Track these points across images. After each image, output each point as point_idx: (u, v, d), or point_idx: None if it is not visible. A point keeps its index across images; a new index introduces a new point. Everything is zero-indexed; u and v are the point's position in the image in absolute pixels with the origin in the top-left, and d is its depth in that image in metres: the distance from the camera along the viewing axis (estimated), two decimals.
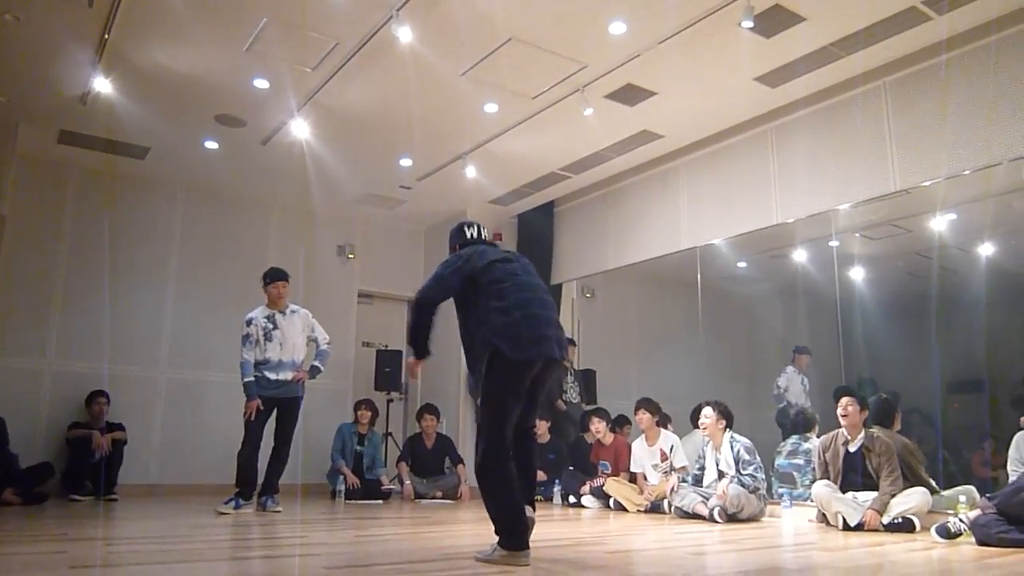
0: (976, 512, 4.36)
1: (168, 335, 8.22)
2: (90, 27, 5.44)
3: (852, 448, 5.36)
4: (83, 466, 6.98)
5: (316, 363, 6.39)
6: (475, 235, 4.03)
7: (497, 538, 3.30)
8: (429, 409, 8.21)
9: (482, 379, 3.47)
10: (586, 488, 7.20)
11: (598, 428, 7.34)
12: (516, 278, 3.63)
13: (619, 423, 7.76)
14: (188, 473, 7.90)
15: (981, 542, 4.18)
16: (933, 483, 5.23)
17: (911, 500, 4.96)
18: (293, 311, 6.37)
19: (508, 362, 3.41)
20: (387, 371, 8.98)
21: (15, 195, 7.27)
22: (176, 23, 5.40)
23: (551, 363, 3.56)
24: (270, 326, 6.19)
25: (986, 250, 6.20)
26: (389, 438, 8.83)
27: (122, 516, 5.59)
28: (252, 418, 5.97)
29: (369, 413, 8.00)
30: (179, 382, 8.18)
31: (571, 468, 7.65)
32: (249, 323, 6.18)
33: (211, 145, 7.51)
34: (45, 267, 7.66)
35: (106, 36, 5.51)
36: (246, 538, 4.50)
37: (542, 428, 7.82)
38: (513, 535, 3.27)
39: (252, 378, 6.03)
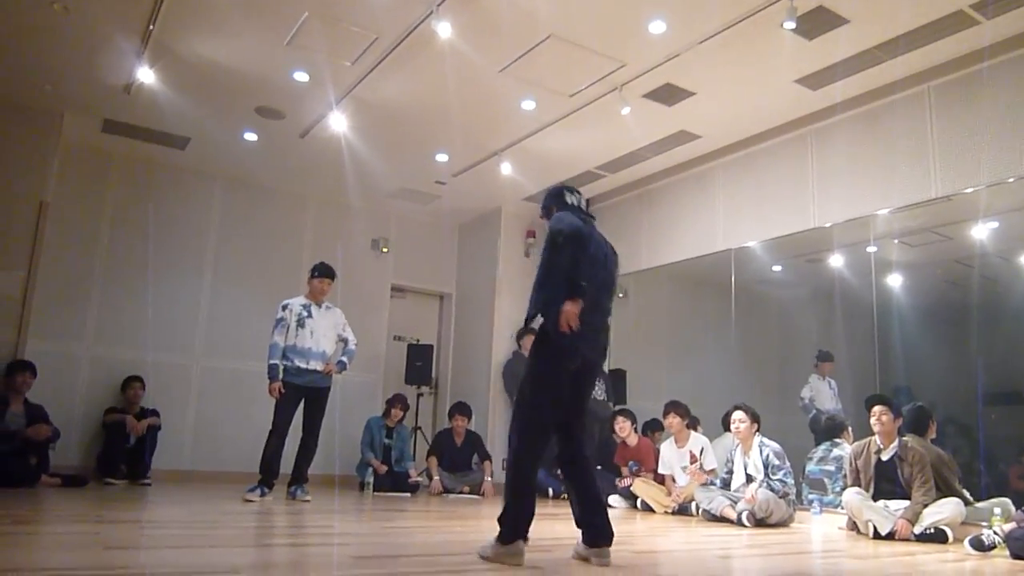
0: (1011, 525, 4.29)
1: (203, 324, 8.33)
2: (136, 18, 5.53)
3: (885, 457, 5.29)
4: (118, 450, 7.10)
5: (343, 359, 6.48)
6: (576, 204, 3.70)
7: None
8: (460, 409, 8.19)
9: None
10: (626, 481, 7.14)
11: (623, 428, 7.32)
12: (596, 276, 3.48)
13: (651, 427, 7.73)
14: (220, 460, 8.01)
15: (1015, 555, 4.11)
16: (967, 494, 5.14)
17: (944, 510, 4.88)
18: (328, 307, 6.47)
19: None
20: (418, 365, 9.03)
21: (59, 182, 7.40)
22: (219, 16, 5.48)
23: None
24: (305, 314, 6.27)
25: None
26: (418, 432, 8.87)
27: (155, 500, 5.68)
28: (277, 399, 6.05)
29: (402, 413, 8.05)
30: (213, 370, 8.29)
31: (599, 467, 7.63)
32: (284, 308, 6.29)
33: (250, 137, 7.60)
34: (85, 253, 7.80)
35: (151, 27, 5.60)
36: (275, 526, 4.56)
37: None
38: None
39: (276, 361, 6.11)
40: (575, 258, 3.34)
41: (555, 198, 3.74)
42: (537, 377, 3.39)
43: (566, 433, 3.50)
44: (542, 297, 3.35)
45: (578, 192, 3.76)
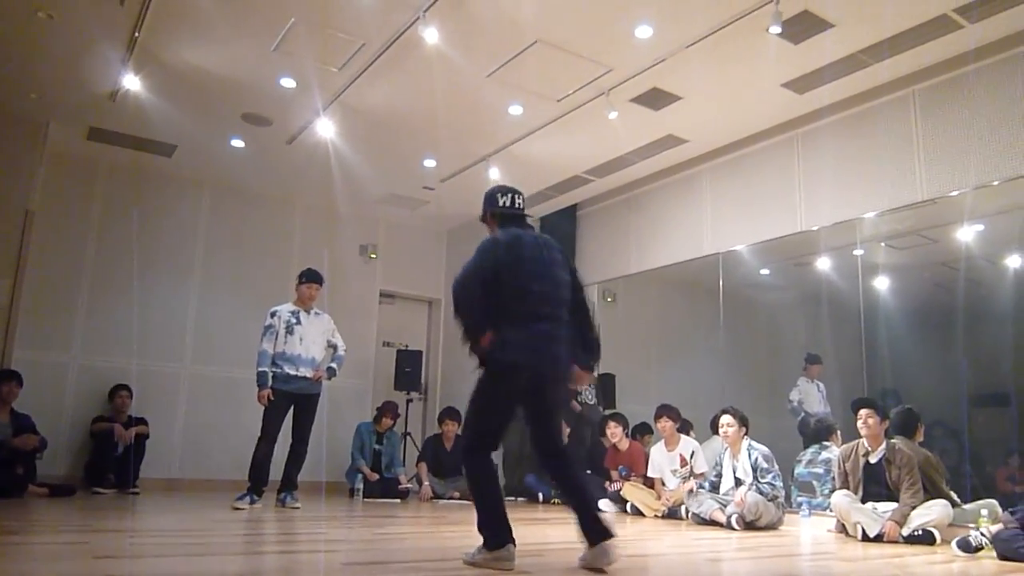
0: (998, 526, 4.31)
1: (192, 331, 8.30)
2: (121, 25, 5.51)
3: (873, 459, 5.31)
4: (106, 459, 7.06)
5: (333, 365, 6.49)
6: (508, 204, 3.72)
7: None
8: (450, 414, 8.20)
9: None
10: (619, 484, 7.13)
11: (614, 432, 7.32)
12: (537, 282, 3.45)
13: (640, 431, 7.74)
14: (209, 468, 7.97)
15: (1003, 556, 4.13)
16: (954, 496, 5.16)
17: (932, 512, 4.90)
18: (317, 313, 6.48)
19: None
20: (407, 371, 9.02)
21: (45, 190, 7.35)
22: (205, 22, 5.46)
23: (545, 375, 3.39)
24: (293, 321, 6.27)
25: (1014, 262, 6.12)
26: (408, 438, 8.85)
27: (143, 509, 5.65)
28: (266, 406, 6.04)
29: (392, 422, 8.04)
30: (201, 378, 8.25)
31: (588, 472, 7.63)
32: (273, 315, 6.29)
33: (237, 143, 7.58)
34: (72, 262, 7.76)
35: (136, 34, 5.58)
36: (265, 533, 4.54)
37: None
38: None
39: (265, 368, 6.10)
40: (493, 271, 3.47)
41: (487, 202, 3.77)
42: (479, 396, 3.35)
43: (533, 436, 3.42)
44: (459, 318, 3.39)
45: (513, 191, 3.76)
